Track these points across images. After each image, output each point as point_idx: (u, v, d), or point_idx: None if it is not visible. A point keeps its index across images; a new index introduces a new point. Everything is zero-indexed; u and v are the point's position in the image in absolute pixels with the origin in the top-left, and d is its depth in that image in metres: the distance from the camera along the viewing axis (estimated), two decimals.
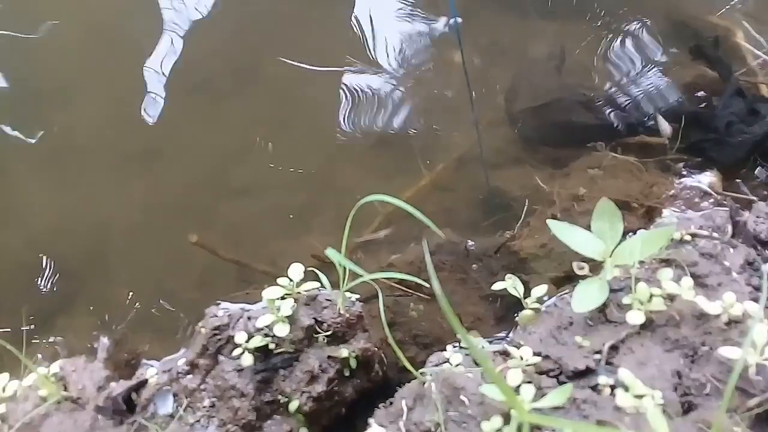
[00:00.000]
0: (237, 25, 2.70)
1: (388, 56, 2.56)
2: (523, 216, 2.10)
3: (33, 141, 2.45)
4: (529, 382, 1.47)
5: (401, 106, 2.44)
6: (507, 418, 1.42)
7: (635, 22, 2.51)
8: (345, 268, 1.59)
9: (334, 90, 2.50)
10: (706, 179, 2.01)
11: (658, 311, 1.59)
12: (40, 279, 2.13)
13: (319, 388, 1.62)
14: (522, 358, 1.55)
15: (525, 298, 1.73)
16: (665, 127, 2.18)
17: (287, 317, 1.61)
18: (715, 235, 1.75)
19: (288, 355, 1.63)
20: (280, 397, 1.62)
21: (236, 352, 1.62)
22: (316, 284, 1.67)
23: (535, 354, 1.57)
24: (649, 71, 2.39)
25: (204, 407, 1.64)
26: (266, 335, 1.62)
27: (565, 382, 1.50)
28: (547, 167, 2.20)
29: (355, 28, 2.63)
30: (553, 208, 2.06)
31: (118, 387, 1.67)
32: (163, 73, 2.56)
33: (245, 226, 2.22)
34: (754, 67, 2.31)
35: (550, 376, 1.55)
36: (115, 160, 2.36)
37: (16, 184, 2.37)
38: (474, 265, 2.04)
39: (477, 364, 1.57)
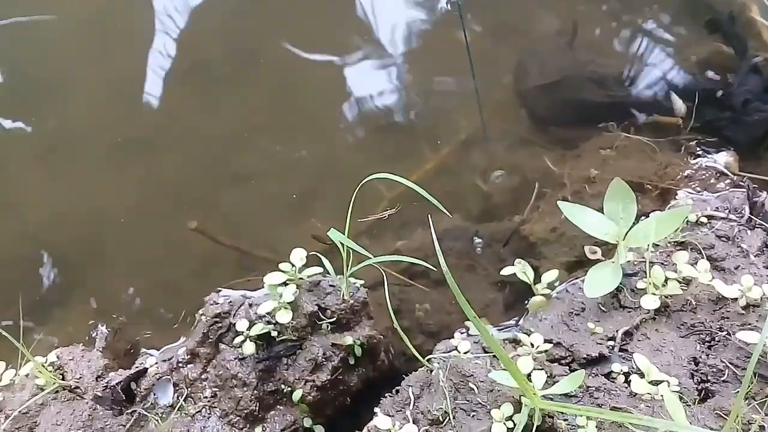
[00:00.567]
0: (234, 9, 2.65)
1: (390, 38, 2.51)
2: (533, 199, 2.05)
3: (29, 131, 2.42)
4: (541, 370, 1.43)
5: (404, 89, 2.40)
6: (518, 406, 1.39)
7: None
8: (349, 253, 1.55)
9: (335, 74, 2.46)
10: (722, 159, 1.97)
11: (673, 295, 1.56)
12: (37, 269, 2.10)
13: (323, 376, 1.59)
14: (533, 345, 1.52)
15: (535, 283, 1.70)
16: (679, 105, 2.15)
17: (289, 304, 1.57)
18: (732, 216, 1.72)
19: (291, 343, 1.60)
20: (283, 386, 1.59)
21: (238, 340, 1.59)
22: (319, 269, 1.63)
23: (546, 341, 1.54)
24: (662, 47, 2.34)
25: (205, 397, 1.61)
26: (268, 322, 1.58)
27: (577, 370, 1.46)
28: (558, 148, 2.16)
29: (356, 10, 2.58)
30: (564, 190, 2.02)
31: (116, 376, 1.63)
32: (160, 59, 2.52)
33: (245, 213, 2.19)
34: None
35: (561, 363, 1.53)
36: (112, 148, 2.33)
37: (11, 175, 2.34)
38: (481, 251, 2.00)
39: (486, 351, 1.54)
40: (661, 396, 1.38)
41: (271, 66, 2.50)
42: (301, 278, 1.62)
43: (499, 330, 1.77)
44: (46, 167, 2.32)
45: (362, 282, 1.71)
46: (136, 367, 1.66)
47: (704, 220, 1.72)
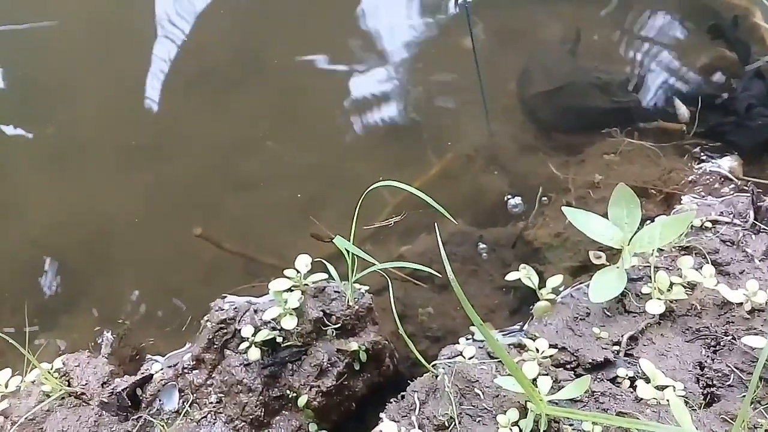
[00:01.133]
0: (240, 15, 2.66)
1: (394, 44, 2.51)
2: (537, 204, 2.05)
3: (35, 137, 2.43)
4: (546, 375, 1.43)
5: (409, 95, 2.40)
6: (523, 411, 1.39)
7: (652, 2, 2.45)
8: (353, 259, 1.55)
9: (340, 80, 2.46)
10: (726, 164, 1.97)
11: (678, 300, 1.56)
12: (43, 275, 2.11)
13: (329, 382, 1.59)
14: (538, 351, 1.51)
15: (540, 288, 1.70)
16: (683, 110, 2.14)
17: (295, 310, 1.58)
18: (736, 221, 1.72)
19: (296, 349, 1.60)
20: (288, 391, 1.59)
21: (243, 346, 1.59)
22: (324, 276, 1.63)
23: (551, 346, 1.53)
24: (666, 53, 2.33)
25: (210, 403, 1.61)
26: (273, 328, 1.59)
27: (582, 375, 1.46)
28: (561, 154, 2.16)
29: (361, 17, 2.59)
30: (568, 195, 2.02)
31: (122, 382, 1.64)
32: (166, 65, 2.53)
33: (251, 219, 2.19)
34: None
35: (567, 368, 1.52)
36: (118, 154, 2.33)
37: (18, 181, 2.34)
38: (486, 256, 2.00)
39: (491, 357, 1.53)
40: (667, 401, 1.38)
41: (277, 72, 2.51)
42: (306, 284, 1.63)
43: (503, 335, 1.76)
44: (52, 173, 2.33)
45: (367, 288, 1.71)
46: (142, 373, 1.66)
47: (709, 224, 1.72)
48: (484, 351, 1.57)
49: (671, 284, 1.56)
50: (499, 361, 1.50)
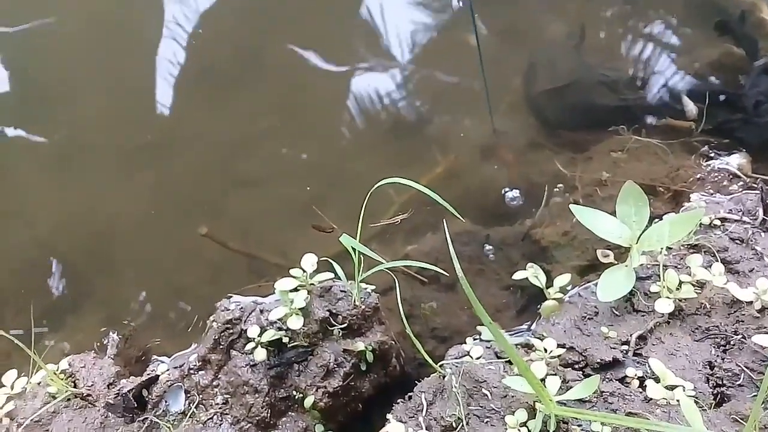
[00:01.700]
0: (242, 14, 2.65)
1: (397, 41, 2.50)
2: (543, 202, 2.04)
3: (39, 138, 2.43)
4: (554, 375, 1.42)
5: (413, 93, 2.39)
6: (532, 412, 1.38)
7: None
8: (359, 258, 1.54)
9: (343, 77, 2.45)
10: (735, 161, 1.95)
11: (687, 299, 1.55)
12: (48, 276, 2.10)
13: (335, 382, 1.58)
14: (546, 350, 1.50)
15: (547, 287, 1.69)
16: (691, 107, 2.13)
17: (301, 309, 1.56)
18: (745, 219, 1.70)
19: (302, 349, 1.59)
20: (294, 392, 1.58)
21: (249, 346, 1.58)
22: (330, 275, 1.63)
23: (559, 346, 1.52)
24: (672, 49, 2.32)
25: (217, 404, 1.61)
26: (279, 328, 1.58)
27: (591, 375, 1.45)
28: (568, 151, 2.15)
29: (364, 14, 2.58)
30: (575, 193, 2.01)
31: (128, 383, 1.63)
32: (168, 65, 2.52)
33: (255, 218, 2.18)
34: None
35: (575, 368, 1.51)
36: (122, 154, 2.33)
37: (22, 183, 2.34)
38: (492, 255, 1.99)
39: (499, 357, 1.52)
40: (677, 401, 1.37)
41: (280, 70, 2.50)
42: (312, 284, 1.62)
43: (511, 335, 1.75)
44: (56, 174, 2.33)
45: (373, 287, 1.70)
46: (148, 374, 1.65)
47: (717, 222, 1.70)
48: (491, 351, 1.56)
49: (680, 283, 1.55)
50: (507, 361, 1.49)
